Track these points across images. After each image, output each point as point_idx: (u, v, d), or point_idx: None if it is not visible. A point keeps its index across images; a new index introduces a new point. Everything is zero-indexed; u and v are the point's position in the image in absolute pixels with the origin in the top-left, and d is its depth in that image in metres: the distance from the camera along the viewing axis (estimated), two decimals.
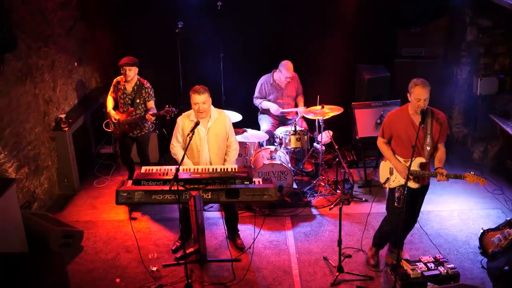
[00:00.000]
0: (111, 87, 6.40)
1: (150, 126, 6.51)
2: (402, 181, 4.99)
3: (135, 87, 6.25)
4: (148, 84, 6.32)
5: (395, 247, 5.36)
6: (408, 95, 4.90)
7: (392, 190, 5.15)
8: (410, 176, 4.90)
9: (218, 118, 5.39)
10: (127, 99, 6.29)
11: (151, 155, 7.31)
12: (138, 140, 6.51)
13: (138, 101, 6.27)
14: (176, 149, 5.45)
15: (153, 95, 6.35)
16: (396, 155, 5.06)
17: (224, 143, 5.45)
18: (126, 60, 6.15)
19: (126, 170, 6.91)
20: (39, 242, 5.29)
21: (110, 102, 6.42)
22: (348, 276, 5.19)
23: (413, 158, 4.75)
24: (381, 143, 5.19)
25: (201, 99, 5.14)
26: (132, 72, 6.18)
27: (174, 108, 6.11)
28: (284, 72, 6.93)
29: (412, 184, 5.02)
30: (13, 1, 5.63)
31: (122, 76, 6.27)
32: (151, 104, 6.35)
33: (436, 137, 4.95)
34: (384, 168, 5.23)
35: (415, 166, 4.93)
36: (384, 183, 5.20)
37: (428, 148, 4.93)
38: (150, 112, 6.18)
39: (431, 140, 4.92)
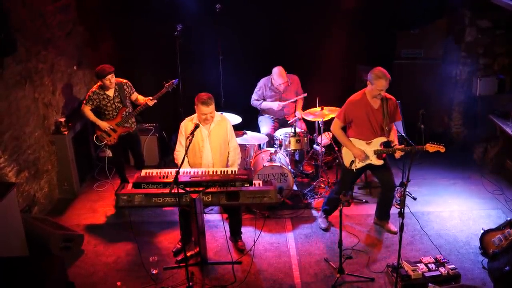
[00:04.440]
0: (89, 100, 6.26)
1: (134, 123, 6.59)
2: (368, 161, 5.58)
3: (116, 87, 6.28)
4: (125, 80, 6.39)
5: (381, 219, 6.03)
6: (368, 82, 5.45)
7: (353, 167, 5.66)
8: (374, 155, 5.52)
9: (220, 121, 5.47)
10: (115, 104, 6.30)
11: (151, 158, 7.33)
12: (133, 139, 6.57)
13: (125, 99, 6.34)
14: (178, 153, 5.47)
15: (132, 86, 6.46)
16: (356, 139, 5.58)
17: (226, 145, 5.49)
18: (108, 69, 6.11)
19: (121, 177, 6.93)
20: (39, 246, 5.29)
21: (92, 114, 6.37)
22: (348, 277, 5.18)
23: (380, 138, 5.48)
24: (337, 128, 5.69)
25: (208, 110, 5.21)
26: (114, 78, 6.20)
27: (172, 80, 6.40)
28: (276, 79, 6.98)
29: (377, 162, 5.58)
30: (13, 5, 5.63)
31: (96, 86, 6.27)
32: (135, 95, 6.47)
33: (392, 118, 5.57)
34: (347, 151, 5.68)
35: (377, 145, 5.53)
36: (350, 165, 5.63)
37: (387, 128, 5.53)
38: (149, 98, 6.30)
39: (388, 121, 5.52)
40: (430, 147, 5.22)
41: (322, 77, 7.69)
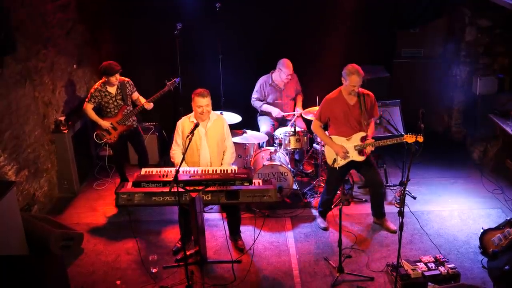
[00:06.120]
0: (91, 98, 6.28)
1: (135, 120, 6.61)
2: (350, 158, 5.62)
3: (118, 85, 6.31)
4: (127, 79, 6.43)
5: (378, 218, 6.03)
6: (342, 79, 5.49)
7: (339, 167, 5.69)
8: (355, 150, 5.57)
9: (217, 119, 5.48)
10: (117, 101, 6.33)
11: (151, 157, 7.32)
12: (135, 135, 6.59)
13: (126, 97, 6.37)
14: (174, 152, 5.47)
15: (134, 85, 6.50)
16: (336, 136, 5.63)
17: (222, 143, 5.51)
18: (116, 67, 6.16)
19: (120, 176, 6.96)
20: (39, 245, 5.28)
21: (94, 113, 6.39)
22: (348, 276, 5.18)
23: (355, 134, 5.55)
24: (317, 127, 5.76)
25: (204, 102, 5.23)
26: (119, 75, 6.26)
27: (174, 79, 6.41)
28: (285, 70, 6.93)
29: (358, 158, 5.61)
30: (12, 4, 5.63)
31: (98, 84, 6.29)
32: (136, 95, 6.50)
33: (370, 113, 5.62)
34: (329, 149, 5.72)
35: (357, 141, 5.58)
36: (333, 163, 5.66)
37: (365, 123, 5.59)
38: (148, 100, 6.33)
39: (367, 116, 5.57)
40: (409, 138, 5.18)
41: (322, 76, 7.68)
